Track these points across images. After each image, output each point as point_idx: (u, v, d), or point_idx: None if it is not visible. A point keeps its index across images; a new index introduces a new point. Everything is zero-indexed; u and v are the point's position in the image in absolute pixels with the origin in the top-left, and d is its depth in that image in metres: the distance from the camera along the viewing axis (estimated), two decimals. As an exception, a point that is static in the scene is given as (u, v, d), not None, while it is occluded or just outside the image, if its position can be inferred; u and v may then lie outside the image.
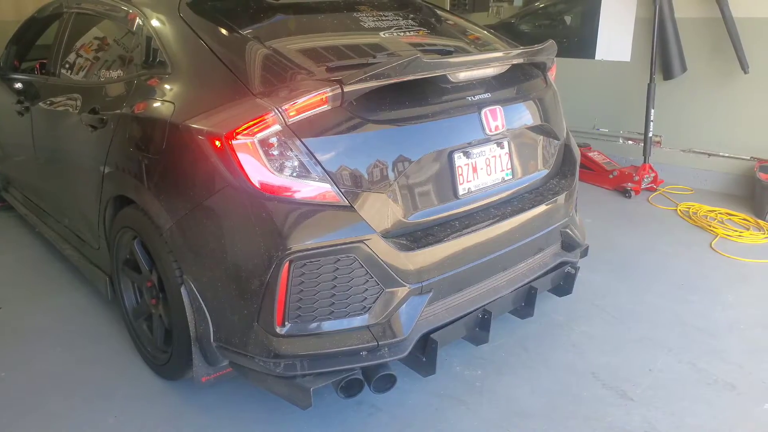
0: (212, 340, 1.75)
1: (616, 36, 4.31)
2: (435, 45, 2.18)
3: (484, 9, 6.06)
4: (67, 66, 2.60)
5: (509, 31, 5.56)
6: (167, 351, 2.01)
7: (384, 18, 2.18)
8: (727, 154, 3.98)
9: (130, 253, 2.10)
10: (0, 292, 2.73)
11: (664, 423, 1.85)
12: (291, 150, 1.58)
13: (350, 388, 1.70)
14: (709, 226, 3.38)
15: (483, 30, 2.49)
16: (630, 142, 4.37)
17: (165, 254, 1.82)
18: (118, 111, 2.03)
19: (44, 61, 3.01)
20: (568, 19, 5.49)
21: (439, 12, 2.53)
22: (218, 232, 1.66)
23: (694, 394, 1.98)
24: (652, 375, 2.08)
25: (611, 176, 4.08)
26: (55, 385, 2.08)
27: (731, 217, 3.53)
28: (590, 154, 4.25)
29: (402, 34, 2.11)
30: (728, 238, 3.23)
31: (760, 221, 3.45)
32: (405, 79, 1.66)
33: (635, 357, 2.18)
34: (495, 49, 2.28)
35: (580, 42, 4.70)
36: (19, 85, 2.93)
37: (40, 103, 2.68)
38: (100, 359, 2.22)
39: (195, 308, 1.77)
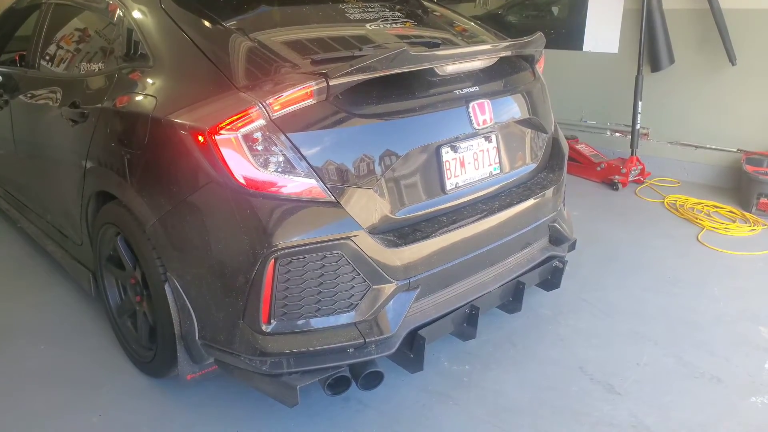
0: (197, 338, 1.73)
1: (604, 27, 4.31)
2: (422, 37, 2.16)
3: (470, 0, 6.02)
4: (47, 58, 2.54)
5: (496, 23, 5.54)
6: (152, 348, 1.99)
7: (370, 9, 2.15)
8: (714, 147, 4.00)
9: (114, 249, 2.07)
10: (-19, 289, 2.69)
11: (651, 417, 1.86)
12: (275, 145, 1.56)
13: (337, 386, 1.69)
14: (696, 218, 3.40)
15: (470, 22, 2.47)
16: (617, 134, 4.38)
17: (148, 251, 1.79)
18: (99, 105, 1.99)
19: (24, 52, 2.93)
20: (555, 10, 5.47)
21: (426, 3, 2.50)
22: (202, 229, 1.63)
23: (680, 388, 2.00)
24: (639, 369, 2.09)
25: (599, 168, 4.09)
26: (38, 383, 2.05)
27: (718, 209, 3.55)
28: (578, 147, 4.25)
29: (388, 26, 2.08)
30: (715, 230, 3.26)
31: (746, 213, 3.48)
32: (392, 73, 1.64)
33: (622, 351, 2.19)
34: (483, 42, 2.26)
35: (567, 33, 4.69)
36: (-3, 78, 2.86)
37: (20, 96, 2.62)
38: (84, 356, 2.19)
39: (179, 305, 1.74)
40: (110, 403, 1.95)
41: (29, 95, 2.55)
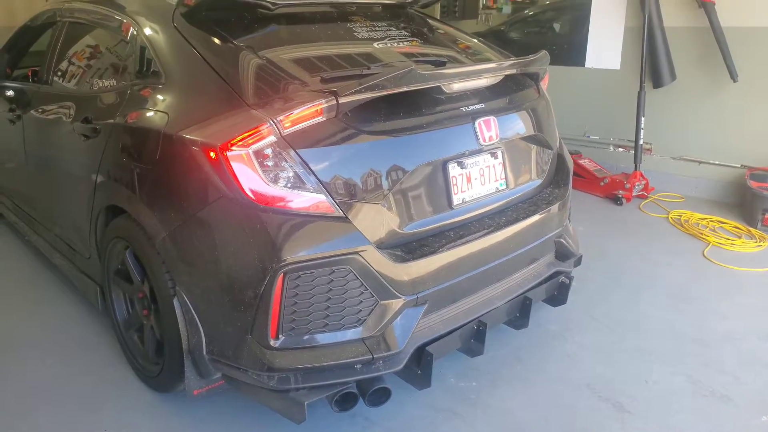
0: (205, 353, 1.73)
1: (606, 44, 4.36)
2: (428, 55, 2.19)
3: (473, 16, 6.11)
4: (60, 75, 2.58)
5: (499, 39, 5.61)
6: (159, 363, 1.99)
7: (377, 28, 2.19)
8: (717, 162, 4.01)
9: (122, 263, 2.08)
10: (-12, 302, 2.69)
11: (660, 435, 1.85)
12: (286, 161, 1.58)
13: (345, 402, 1.68)
14: (701, 234, 3.40)
15: (476, 40, 2.50)
16: (620, 149, 4.40)
17: (157, 265, 1.80)
18: (112, 120, 2.01)
19: (36, 68, 2.98)
20: (557, 26, 5.54)
21: (431, 22, 2.54)
22: (212, 244, 1.64)
23: (690, 407, 1.98)
24: (648, 387, 2.08)
25: (602, 183, 4.10)
26: (43, 397, 2.05)
27: (723, 225, 3.55)
28: (581, 162, 4.27)
29: (395, 44, 2.11)
30: (720, 246, 3.25)
31: (751, 229, 3.47)
32: (400, 91, 1.66)
33: (630, 368, 2.18)
34: (488, 60, 2.29)
35: (569, 50, 4.74)
36: (10, 93, 2.90)
37: (33, 111, 2.65)
38: (90, 370, 2.19)
39: (187, 320, 1.75)
40: (116, 418, 1.94)
41: (42, 110, 2.58)
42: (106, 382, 2.12)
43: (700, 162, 4.08)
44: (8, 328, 2.49)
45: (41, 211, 2.82)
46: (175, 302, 1.75)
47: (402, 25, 2.33)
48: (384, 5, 2.42)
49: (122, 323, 2.20)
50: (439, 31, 2.49)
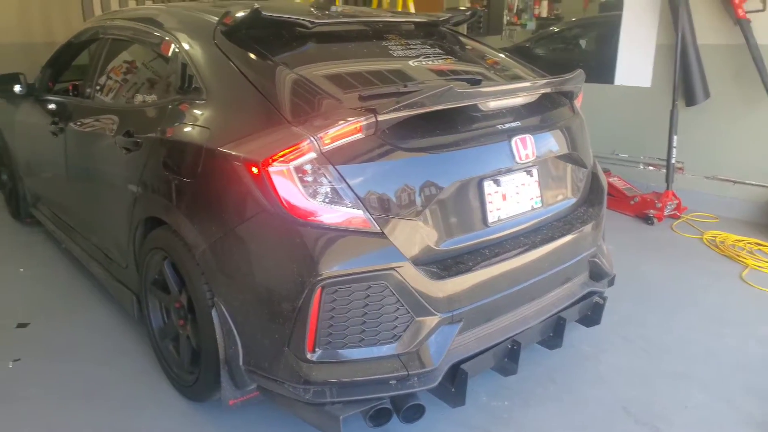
0: (241, 364, 1.75)
1: (636, 61, 4.32)
2: (463, 73, 2.20)
3: (497, 32, 6.14)
4: (103, 90, 2.67)
5: (524, 55, 5.63)
6: (194, 372, 2.01)
7: (412, 46, 2.22)
8: (753, 182, 3.92)
9: (159, 273, 2.12)
10: (27, 307, 2.76)
11: (701, 462, 1.80)
12: (325, 177, 1.60)
13: (379, 417, 1.68)
14: (738, 256, 3.31)
15: (506, 57, 2.51)
16: (651, 167, 4.34)
17: (197, 276, 1.83)
18: (153, 134, 2.07)
19: (77, 82, 3.08)
20: (583, 43, 5.52)
21: (464, 40, 2.56)
22: (251, 257, 1.67)
23: (732, 434, 1.93)
24: (688, 412, 2.02)
25: (632, 202, 4.04)
26: (80, 403, 2.09)
27: (760, 247, 3.45)
28: (610, 180, 4.22)
29: (430, 62, 2.14)
30: (759, 269, 3.16)
31: (790, 252, 3.38)
32: (437, 108, 1.68)
33: (668, 392, 2.13)
34: (524, 79, 2.29)
35: (598, 67, 4.72)
36: (52, 106, 3.01)
37: (75, 125, 2.74)
38: (126, 378, 2.23)
39: (225, 331, 1.77)
40: (151, 425, 1.97)
41: (84, 124, 2.67)
42: (141, 389, 2.15)
43: (734, 182, 4.00)
44: (46, 334, 2.55)
45: (79, 220, 2.90)
46: (213, 313, 1.78)
47: (436, 42, 2.36)
48: (417, 23, 2.45)
49: (158, 332, 2.24)
50: (472, 48, 2.51)
